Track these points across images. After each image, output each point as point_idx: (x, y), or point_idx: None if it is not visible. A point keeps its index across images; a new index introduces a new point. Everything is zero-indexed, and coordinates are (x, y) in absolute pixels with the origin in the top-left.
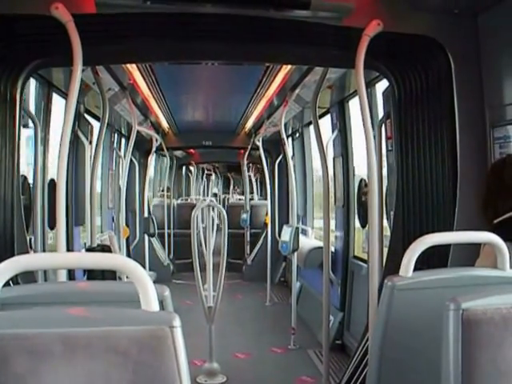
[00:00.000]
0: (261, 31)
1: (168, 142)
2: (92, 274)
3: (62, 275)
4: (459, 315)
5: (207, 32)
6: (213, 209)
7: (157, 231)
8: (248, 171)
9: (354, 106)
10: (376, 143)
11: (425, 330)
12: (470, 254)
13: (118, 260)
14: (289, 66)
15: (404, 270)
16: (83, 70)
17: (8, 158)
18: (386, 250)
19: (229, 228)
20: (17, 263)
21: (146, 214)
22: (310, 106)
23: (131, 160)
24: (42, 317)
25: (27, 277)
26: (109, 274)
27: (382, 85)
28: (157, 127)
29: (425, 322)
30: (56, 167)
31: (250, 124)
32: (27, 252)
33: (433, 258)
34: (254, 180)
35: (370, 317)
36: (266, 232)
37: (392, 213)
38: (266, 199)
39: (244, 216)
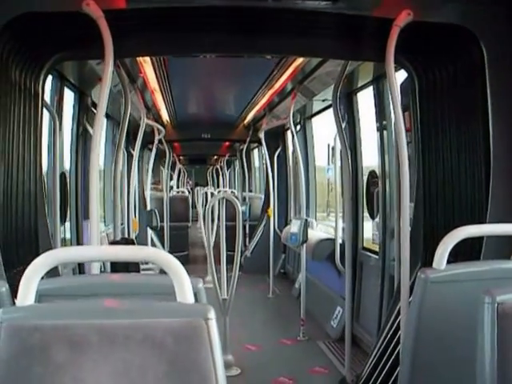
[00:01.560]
0: (287, 23)
1: (167, 134)
2: (116, 267)
3: (96, 268)
4: (494, 308)
5: (235, 25)
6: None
7: (159, 224)
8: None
9: (362, 98)
10: (392, 135)
11: (459, 323)
12: (504, 248)
13: (154, 253)
14: (301, 58)
15: (437, 262)
16: (98, 63)
17: (32, 152)
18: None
19: (227, 221)
20: (56, 256)
21: (148, 208)
22: (332, 98)
23: (130, 153)
24: (80, 308)
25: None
26: (132, 267)
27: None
28: (157, 120)
29: (459, 315)
30: (68, 160)
31: (250, 117)
32: (50, 245)
33: (463, 252)
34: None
35: (402, 310)
36: (267, 224)
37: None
38: (250, 192)
39: (243, 208)
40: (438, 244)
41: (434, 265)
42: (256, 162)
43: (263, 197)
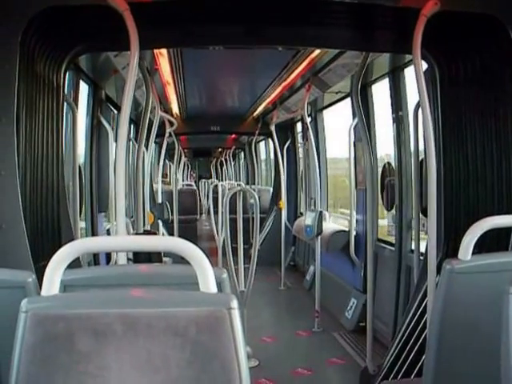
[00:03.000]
0: (307, 14)
1: (176, 127)
2: (138, 258)
3: (123, 258)
4: None
5: (265, 17)
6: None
7: (171, 217)
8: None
9: (376, 90)
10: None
11: (485, 314)
12: None
13: (178, 243)
14: (318, 50)
15: (463, 253)
16: (116, 56)
17: (54, 145)
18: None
19: (235, 213)
20: (82, 246)
21: (159, 200)
22: (353, 89)
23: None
24: (104, 298)
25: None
26: (155, 257)
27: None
28: (167, 113)
29: (485, 306)
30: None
31: (260, 110)
32: (72, 237)
33: (489, 243)
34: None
35: (429, 301)
36: (276, 216)
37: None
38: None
39: (252, 201)
40: (460, 235)
41: (460, 255)
42: (262, 155)
43: (271, 189)
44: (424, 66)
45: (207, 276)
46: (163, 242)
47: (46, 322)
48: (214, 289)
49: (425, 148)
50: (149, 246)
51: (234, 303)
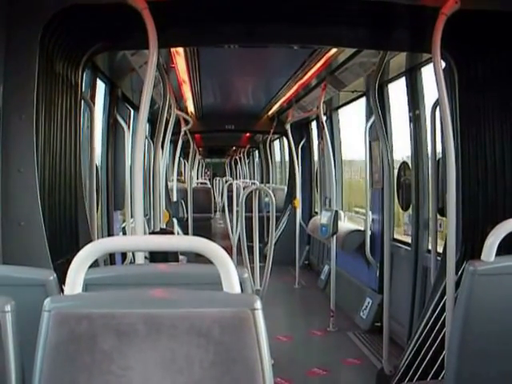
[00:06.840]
0: (325, 13)
1: (191, 126)
2: (155, 256)
3: (141, 258)
4: None
5: (281, 16)
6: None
7: (185, 216)
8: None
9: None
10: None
11: (509, 317)
12: None
13: (200, 243)
14: (335, 49)
15: (486, 254)
16: (133, 54)
17: (72, 144)
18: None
19: (249, 212)
20: (104, 245)
21: (174, 199)
22: (370, 91)
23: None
24: (127, 298)
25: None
26: (171, 256)
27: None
28: (182, 111)
29: (509, 309)
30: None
31: (275, 108)
32: (89, 236)
33: (507, 244)
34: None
35: (447, 302)
36: (291, 215)
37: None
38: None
39: (267, 200)
40: (478, 235)
41: (483, 257)
42: (277, 154)
43: (286, 188)
44: (442, 65)
45: (231, 276)
46: (186, 241)
47: (69, 322)
48: (237, 289)
49: (442, 147)
50: (172, 246)
51: (258, 304)
